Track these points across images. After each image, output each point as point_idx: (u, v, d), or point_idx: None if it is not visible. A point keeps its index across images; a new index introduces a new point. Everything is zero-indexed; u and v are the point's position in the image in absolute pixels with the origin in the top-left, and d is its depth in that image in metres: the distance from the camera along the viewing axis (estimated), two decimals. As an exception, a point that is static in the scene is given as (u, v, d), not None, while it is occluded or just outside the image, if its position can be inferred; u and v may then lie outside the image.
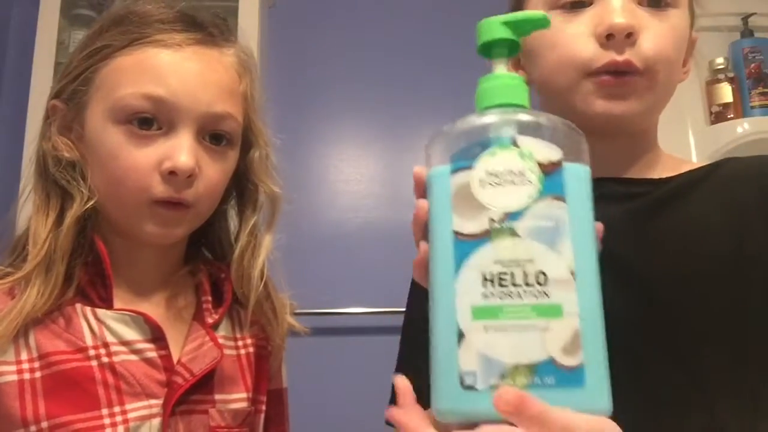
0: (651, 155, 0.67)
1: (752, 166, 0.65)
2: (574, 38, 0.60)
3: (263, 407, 0.72)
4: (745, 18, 1.75)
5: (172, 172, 0.61)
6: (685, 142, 1.73)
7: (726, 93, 1.71)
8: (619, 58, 0.58)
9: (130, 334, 0.63)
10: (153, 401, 0.61)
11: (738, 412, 0.53)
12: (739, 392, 0.54)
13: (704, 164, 0.66)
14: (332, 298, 1.74)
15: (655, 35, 0.60)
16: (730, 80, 1.72)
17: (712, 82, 1.74)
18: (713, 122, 1.72)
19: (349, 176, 1.85)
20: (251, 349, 0.72)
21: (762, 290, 0.56)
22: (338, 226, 1.80)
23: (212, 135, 0.65)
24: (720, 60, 1.73)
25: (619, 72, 0.59)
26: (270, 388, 0.75)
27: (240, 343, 0.71)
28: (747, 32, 1.75)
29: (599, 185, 0.60)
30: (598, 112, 0.60)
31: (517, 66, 0.69)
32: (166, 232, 0.64)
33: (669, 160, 0.68)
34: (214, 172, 0.65)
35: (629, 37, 0.58)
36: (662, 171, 0.66)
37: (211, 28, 0.68)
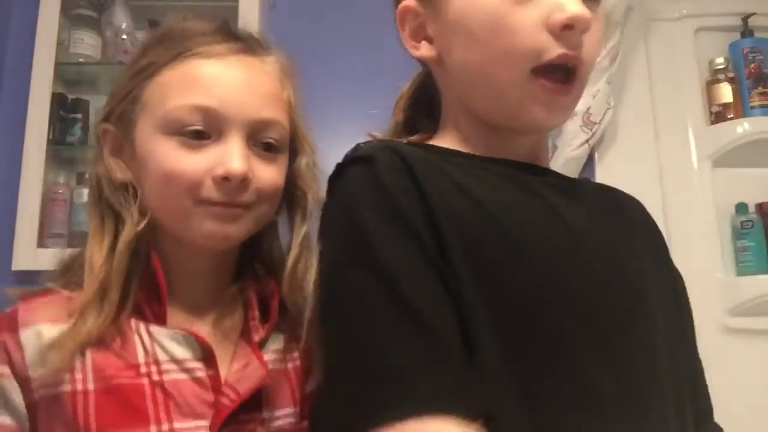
0: (545, 137, 0.68)
1: (637, 206, 0.68)
2: (525, 24, 0.53)
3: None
4: (745, 18, 1.75)
5: (225, 178, 0.61)
6: (685, 142, 1.73)
7: (726, 93, 1.71)
8: (571, 52, 0.54)
9: (182, 352, 0.63)
10: (200, 422, 0.61)
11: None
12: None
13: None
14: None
15: (593, 37, 0.56)
16: (730, 80, 1.72)
17: (712, 82, 1.74)
18: (713, 122, 1.72)
19: (349, 176, 1.85)
20: (299, 362, 0.70)
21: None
22: (338, 226, 1.80)
23: (260, 142, 0.66)
24: (720, 60, 1.73)
25: (566, 73, 0.55)
26: None
27: (288, 356, 0.70)
28: (747, 32, 1.75)
29: (538, 172, 0.61)
30: (533, 119, 0.56)
31: (419, 35, 0.62)
32: (224, 229, 0.64)
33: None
34: (268, 174, 0.66)
35: (583, 32, 0.54)
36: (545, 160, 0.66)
37: (249, 39, 0.70)
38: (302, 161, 0.72)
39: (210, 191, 0.62)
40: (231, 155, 0.62)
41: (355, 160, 0.54)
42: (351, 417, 0.45)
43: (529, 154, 0.62)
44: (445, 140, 0.63)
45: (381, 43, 1.90)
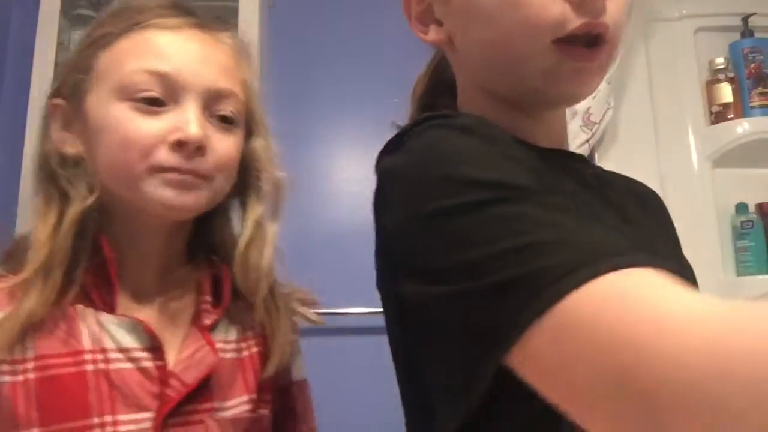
0: (565, 120, 0.63)
1: (652, 194, 0.66)
2: None
3: (269, 406, 0.70)
4: (745, 18, 1.75)
5: (181, 143, 0.60)
6: (685, 142, 1.73)
7: (726, 93, 1.71)
8: (595, 21, 0.50)
9: (129, 341, 0.61)
10: (145, 414, 0.59)
11: None
12: None
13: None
14: (332, 298, 1.74)
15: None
16: (730, 80, 1.72)
17: (712, 82, 1.74)
18: (713, 122, 1.72)
19: (350, 176, 1.85)
20: (255, 349, 0.69)
21: None
22: (339, 225, 1.80)
23: (216, 114, 0.65)
24: (720, 60, 1.73)
25: (591, 41, 0.51)
26: (282, 383, 0.73)
27: (243, 344, 0.69)
28: (747, 32, 1.75)
29: (583, 160, 0.59)
30: (561, 90, 0.52)
31: (427, 19, 0.59)
32: (181, 199, 0.61)
33: None
34: (223, 146, 0.64)
35: None
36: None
37: (204, 16, 0.69)
38: (258, 142, 0.71)
39: (165, 156, 0.60)
40: (188, 120, 0.61)
41: (433, 118, 0.49)
42: (527, 295, 0.36)
43: (557, 137, 0.59)
44: None
45: (381, 43, 1.91)
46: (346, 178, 1.85)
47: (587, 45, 0.51)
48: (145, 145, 0.60)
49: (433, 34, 0.59)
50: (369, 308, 1.69)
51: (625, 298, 0.33)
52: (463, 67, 0.60)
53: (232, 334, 0.69)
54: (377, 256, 0.53)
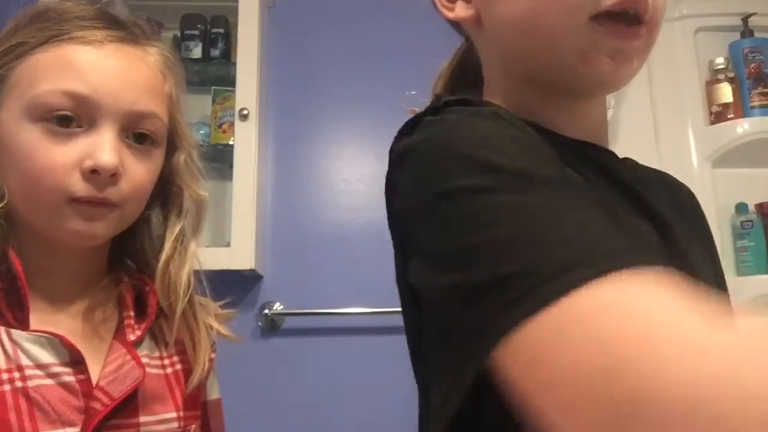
0: (606, 124, 0.59)
1: (686, 190, 0.65)
2: None
3: (197, 422, 0.69)
4: (745, 18, 1.75)
5: (94, 171, 0.58)
6: (685, 142, 1.73)
7: (726, 93, 1.71)
8: None
9: (47, 357, 0.58)
10: (70, 429, 0.57)
11: None
12: None
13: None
14: (332, 298, 1.74)
15: None
16: (730, 80, 1.72)
17: (712, 82, 1.74)
18: (713, 122, 1.72)
19: (350, 176, 1.84)
20: (179, 366, 0.68)
21: None
22: (338, 226, 1.80)
23: (136, 134, 0.63)
24: (720, 60, 1.73)
25: (630, 19, 0.48)
26: (206, 400, 0.73)
27: (167, 361, 0.68)
28: (747, 32, 1.75)
29: (614, 157, 0.55)
30: (598, 72, 0.49)
31: None
32: (89, 228, 0.60)
33: None
34: (139, 172, 0.63)
35: None
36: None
37: (132, 27, 0.66)
38: (180, 157, 0.70)
39: (79, 186, 0.58)
40: (102, 147, 0.59)
41: (453, 103, 0.47)
42: (521, 289, 0.35)
43: (592, 132, 0.55)
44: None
45: (381, 43, 1.91)
46: (344, 179, 1.85)
47: (628, 23, 0.48)
48: (57, 175, 0.58)
49: (459, 9, 0.56)
50: (369, 308, 1.69)
51: (614, 308, 0.32)
52: (490, 49, 0.56)
53: (156, 351, 0.67)
54: (392, 236, 0.51)
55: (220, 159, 1.77)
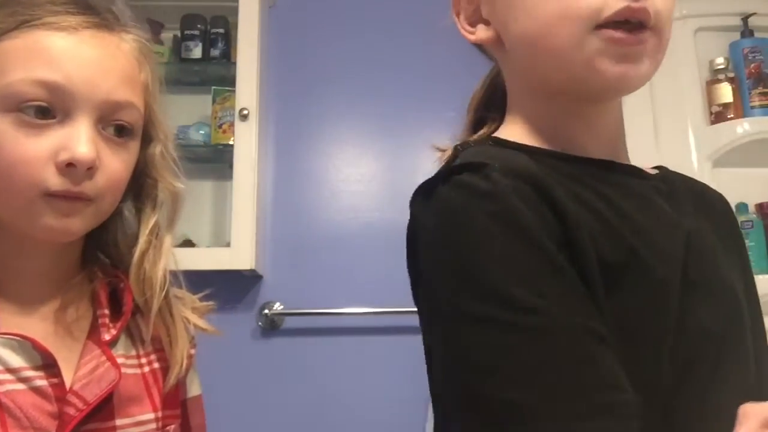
0: (623, 128, 0.62)
1: (719, 195, 0.66)
2: None
3: (177, 421, 0.68)
4: (745, 18, 1.75)
5: (70, 164, 0.56)
6: (685, 142, 1.73)
7: (726, 93, 1.71)
8: (635, 4, 0.49)
9: (17, 360, 0.56)
10: None
11: None
12: None
13: (658, 166, 0.64)
14: (332, 298, 1.74)
15: None
16: (730, 80, 1.72)
17: (712, 82, 1.74)
18: (713, 122, 1.72)
19: (349, 176, 1.85)
20: (157, 365, 0.66)
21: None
22: (338, 226, 1.80)
23: (112, 125, 0.60)
24: (720, 60, 1.73)
25: (633, 26, 0.50)
26: (185, 397, 0.72)
27: (144, 360, 0.65)
28: (747, 32, 1.75)
29: (637, 174, 0.59)
30: (607, 77, 0.51)
31: (476, 20, 0.60)
32: (64, 224, 0.58)
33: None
34: (116, 165, 0.60)
35: None
36: (627, 155, 0.62)
37: (107, 13, 0.63)
38: (156, 149, 0.67)
39: (54, 181, 0.56)
40: (78, 139, 0.56)
41: (463, 168, 0.49)
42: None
43: (609, 144, 0.59)
44: (514, 130, 0.58)
45: (381, 43, 1.91)
46: (344, 179, 1.85)
47: (630, 30, 0.50)
48: (31, 169, 0.56)
49: (480, 32, 0.59)
50: (369, 308, 1.69)
51: None
52: (511, 68, 0.60)
53: (132, 349, 0.66)
54: (408, 266, 0.55)
55: (220, 159, 1.77)
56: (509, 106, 0.61)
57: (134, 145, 0.64)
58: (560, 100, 0.56)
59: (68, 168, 0.56)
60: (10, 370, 0.56)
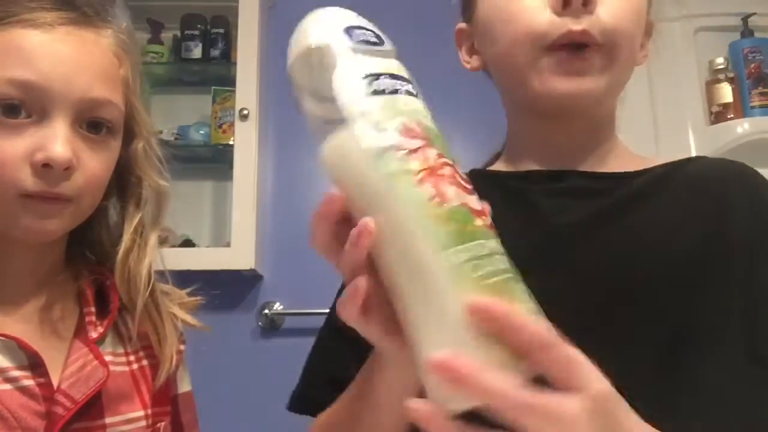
0: (609, 145, 0.64)
1: (727, 168, 0.66)
2: (528, 9, 0.56)
3: (167, 418, 0.68)
4: (745, 18, 1.75)
5: (46, 165, 0.55)
6: (685, 142, 1.73)
7: (726, 93, 1.71)
8: (576, 27, 0.54)
9: (3, 361, 0.55)
10: None
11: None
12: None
13: (666, 162, 0.63)
14: (332, 298, 1.73)
15: (614, 5, 0.56)
16: (730, 80, 1.72)
17: (712, 82, 1.74)
18: (713, 122, 1.72)
19: (349, 176, 1.85)
20: (145, 362, 0.66)
21: (724, 292, 0.55)
22: (338, 226, 1.80)
23: (90, 123, 0.59)
24: (720, 60, 1.73)
25: (577, 46, 0.55)
26: (176, 393, 0.72)
27: (132, 357, 0.65)
28: (747, 32, 1.75)
29: (561, 178, 0.62)
30: (555, 92, 0.57)
31: (471, 51, 0.67)
32: (42, 225, 0.57)
33: (626, 151, 0.66)
34: (94, 164, 0.59)
35: (586, 5, 0.54)
36: (622, 163, 0.62)
37: (85, 7, 0.61)
38: (138, 145, 0.66)
39: (30, 182, 0.55)
40: (54, 139, 0.55)
41: None
42: None
43: (575, 151, 0.62)
44: (508, 151, 0.67)
45: (381, 43, 1.91)
46: (345, 178, 1.85)
47: (575, 50, 0.56)
48: (6, 170, 0.55)
49: (474, 62, 0.67)
50: (369, 308, 1.69)
51: None
52: (499, 89, 0.67)
53: (120, 347, 0.65)
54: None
55: (220, 159, 1.77)
56: (507, 122, 0.68)
57: (115, 143, 0.62)
58: (533, 116, 0.63)
59: (44, 168, 0.55)
60: None
